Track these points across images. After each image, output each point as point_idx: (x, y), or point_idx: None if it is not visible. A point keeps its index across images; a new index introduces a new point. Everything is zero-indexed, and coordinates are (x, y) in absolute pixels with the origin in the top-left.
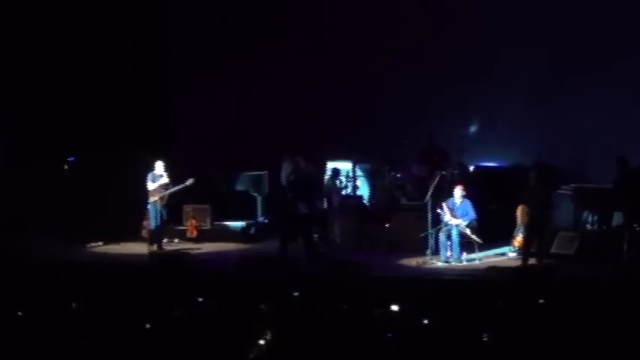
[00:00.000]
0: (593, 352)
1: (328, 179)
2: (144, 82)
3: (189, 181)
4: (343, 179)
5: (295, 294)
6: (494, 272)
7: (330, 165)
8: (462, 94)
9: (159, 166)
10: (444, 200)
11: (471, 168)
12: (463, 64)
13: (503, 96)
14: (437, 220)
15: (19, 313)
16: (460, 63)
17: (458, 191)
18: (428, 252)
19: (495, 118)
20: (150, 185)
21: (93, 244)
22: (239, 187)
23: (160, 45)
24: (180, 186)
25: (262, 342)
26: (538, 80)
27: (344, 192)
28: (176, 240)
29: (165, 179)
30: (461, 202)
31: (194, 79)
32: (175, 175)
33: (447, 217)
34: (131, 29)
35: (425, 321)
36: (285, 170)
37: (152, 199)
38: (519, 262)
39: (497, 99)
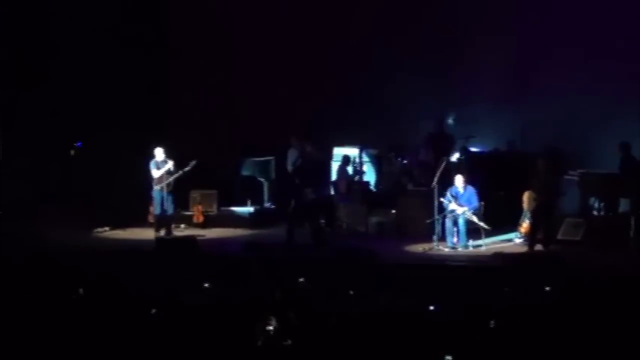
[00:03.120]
0: (599, 337)
1: (339, 166)
2: (148, 67)
3: (192, 163)
4: (351, 167)
5: (301, 279)
6: (500, 258)
7: (337, 151)
8: (469, 80)
9: (159, 152)
10: (450, 186)
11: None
12: (468, 50)
13: (497, 81)
14: (443, 206)
15: (26, 297)
16: (464, 49)
17: (459, 179)
18: (434, 238)
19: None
20: (156, 173)
21: (100, 230)
22: (246, 172)
23: (163, 28)
24: (183, 170)
25: (270, 327)
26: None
27: (354, 179)
28: (183, 226)
29: (169, 164)
30: (465, 190)
31: (198, 64)
32: (179, 160)
33: (451, 205)
34: (132, 14)
35: (432, 307)
36: (292, 156)
37: (157, 185)
38: (525, 248)
39: (492, 84)
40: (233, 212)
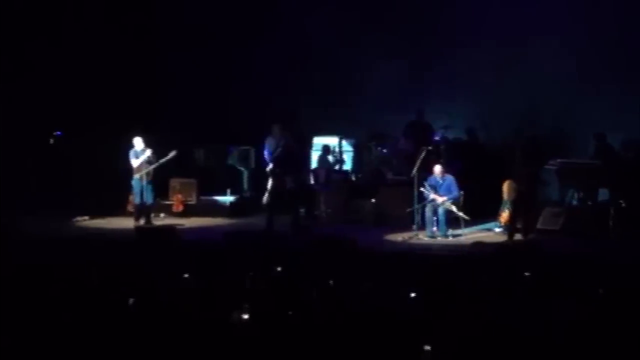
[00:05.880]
0: (579, 326)
1: (319, 155)
2: (131, 56)
3: (172, 153)
4: (331, 157)
5: (279, 268)
6: (479, 248)
7: (317, 140)
8: (448, 70)
9: (138, 142)
10: (429, 176)
11: None
12: (448, 40)
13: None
14: (423, 196)
15: (4, 287)
16: (445, 39)
17: (437, 169)
18: (414, 227)
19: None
20: (135, 162)
21: (79, 219)
22: (228, 161)
23: (149, 16)
24: (163, 159)
25: (247, 316)
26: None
27: (334, 168)
28: (162, 215)
29: (148, 153)
30: (444, 180)
31: (181, 54)
32: (160, 149)
33: (431, 195)
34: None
35: (412, 295)
36: (269, 145)
37: (136, 175)
38: (504, 238)
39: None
40: (213, 201)
